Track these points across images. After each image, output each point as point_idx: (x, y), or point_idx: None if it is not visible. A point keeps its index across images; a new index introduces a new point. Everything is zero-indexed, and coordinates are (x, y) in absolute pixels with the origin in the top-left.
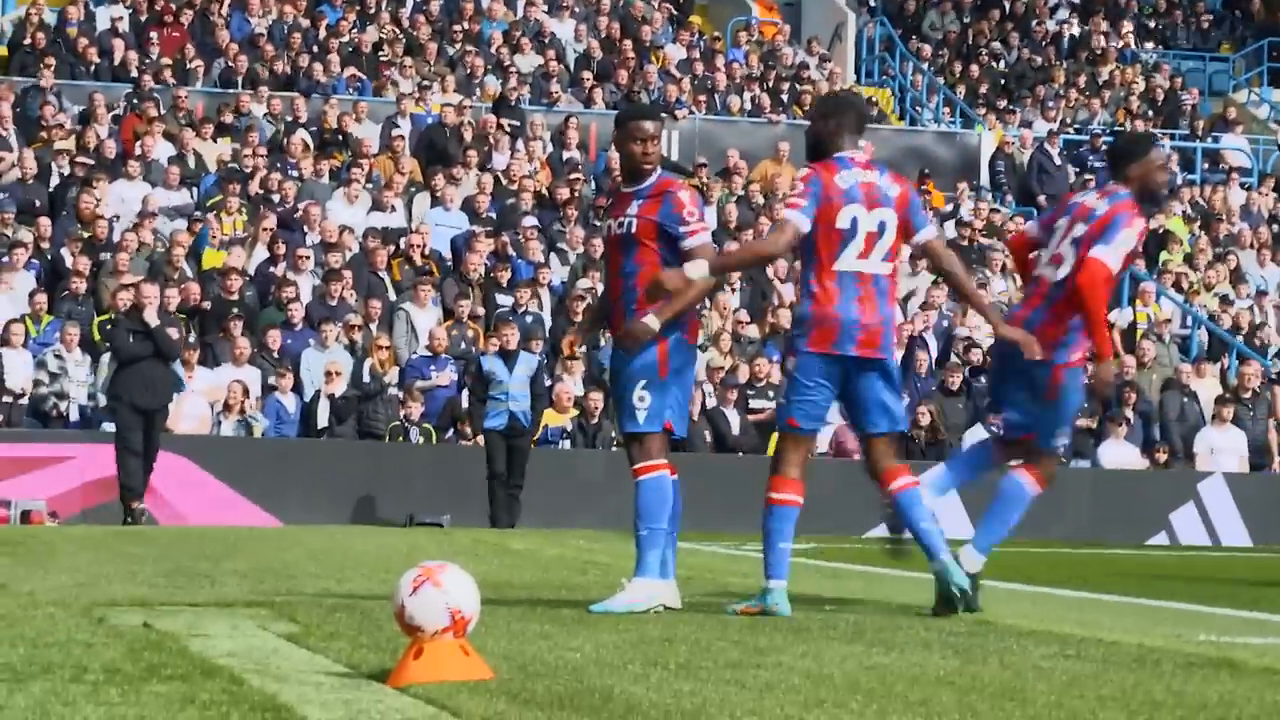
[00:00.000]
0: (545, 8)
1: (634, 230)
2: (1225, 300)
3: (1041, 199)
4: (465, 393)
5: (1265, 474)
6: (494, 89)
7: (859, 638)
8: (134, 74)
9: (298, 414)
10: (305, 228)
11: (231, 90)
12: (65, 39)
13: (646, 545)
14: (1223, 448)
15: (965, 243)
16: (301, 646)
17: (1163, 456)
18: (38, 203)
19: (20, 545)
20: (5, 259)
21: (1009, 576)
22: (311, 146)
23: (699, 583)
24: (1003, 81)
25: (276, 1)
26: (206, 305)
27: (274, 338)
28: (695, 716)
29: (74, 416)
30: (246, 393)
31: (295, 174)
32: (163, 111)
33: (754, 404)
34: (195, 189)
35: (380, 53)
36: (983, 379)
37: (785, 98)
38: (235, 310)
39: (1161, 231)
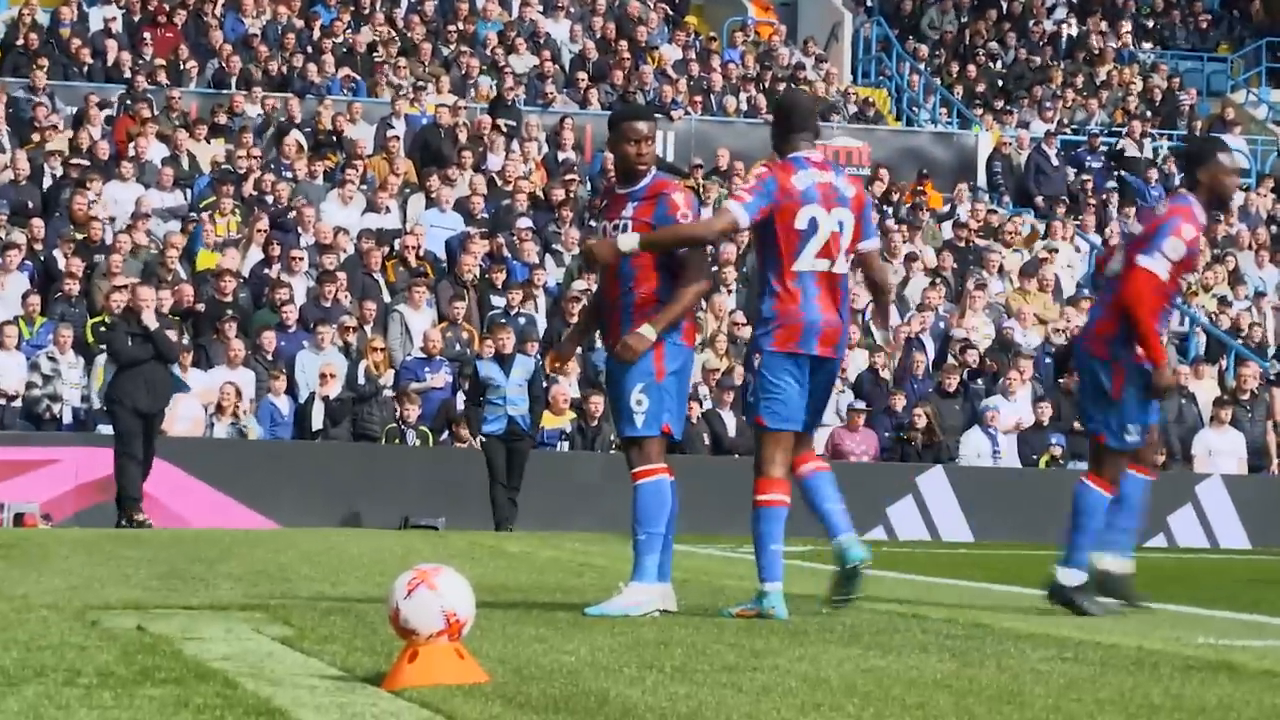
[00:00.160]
0: (540, 8)
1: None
2: (1223, 301)
3: (1039, 199)
4: (460, 395)
5: (1263, 476)
6: (488, 90)
7: (856, 640)
8: (127, 75)
9: (291, 416)
10: (299, 229)
11: (225, 91)
12: (58, 40)
13: (644, 550)
14: (1221, 450)
15: (962, 244)
16: (296, 650)
17: (1161, 459)
18: (30, 204)
19: (13, 548)
20: None
21: (1007, 579)
22: (306, 147)
23: (695, 585)
24: (1000, 82)
25: (270, 2)
26: (200, 307)
27: (268, 339)
28: None
29: (67, 419)
30: (239, 395)
31: (289, 175)
32: (156, 112)
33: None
34: (189, 190)
35: (375, 53)
36: (979, 381)
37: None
38: (229, 312)
39: None
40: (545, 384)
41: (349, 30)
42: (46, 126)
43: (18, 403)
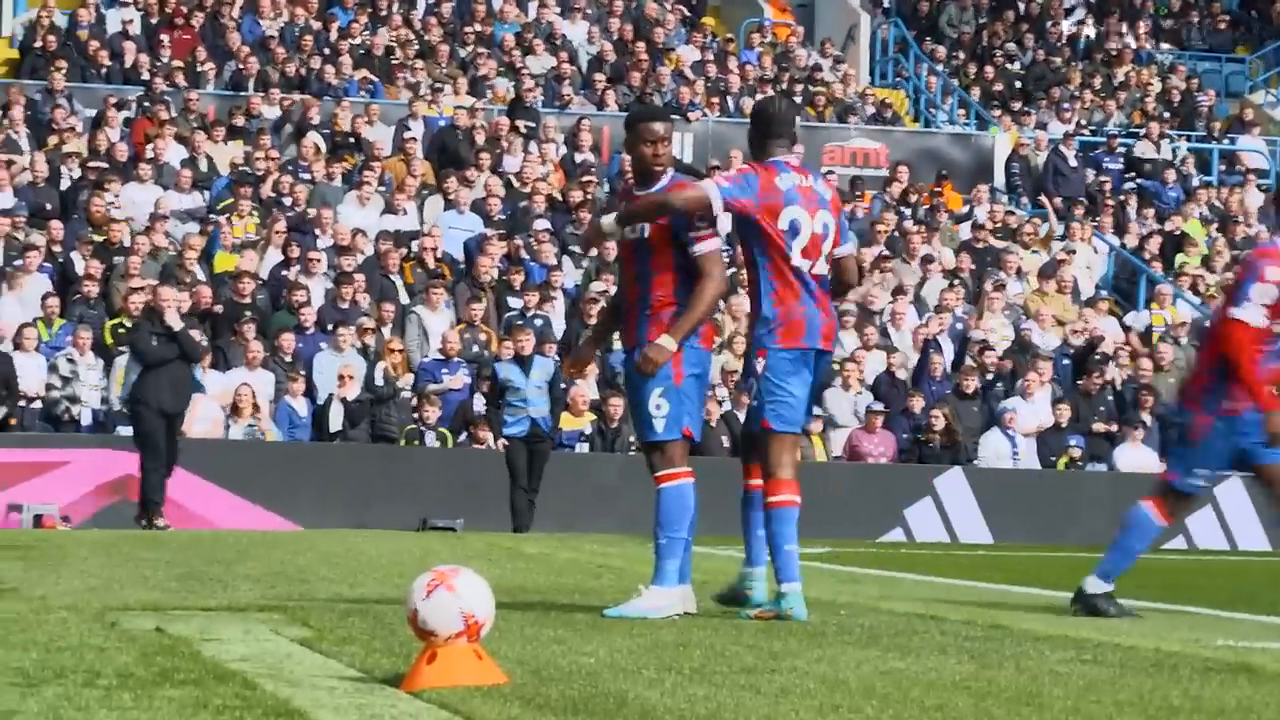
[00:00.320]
0: (557, 10)
1: (647, 234)
2: None
3: (1057, 201)
4: (478, 397)
5: None
6: (506, 91)
7: (874, 642)
8: (145, 77)
9: (309, 418)
10: (317, 231)
11: (243, 93)
12: (76, 42)
13: (665, 553)
14: None
15: (979, 245)
16: (315, 651)
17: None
18: (49, 206)
19: (32, 549)
20: (18, 262)
21: (1026, 581)
22: (323, 149)
23: (714, 587)
24: (1018, 83)
25: (288, 4)
26: (218, 309)
27: (287, 341)
28: None
29: (86, 420)
30: (255, 397)
31: (307, 177)
32: (174, 114)
33: None
34: (207, 192)
35: (392, 55)
36: (999, 385)
37: (799, 99)
38: (247, 314)
39: (1178, 234)
40: (564, 385)
41: (366, 32)
42: (65, 128)
43: (37, 404)
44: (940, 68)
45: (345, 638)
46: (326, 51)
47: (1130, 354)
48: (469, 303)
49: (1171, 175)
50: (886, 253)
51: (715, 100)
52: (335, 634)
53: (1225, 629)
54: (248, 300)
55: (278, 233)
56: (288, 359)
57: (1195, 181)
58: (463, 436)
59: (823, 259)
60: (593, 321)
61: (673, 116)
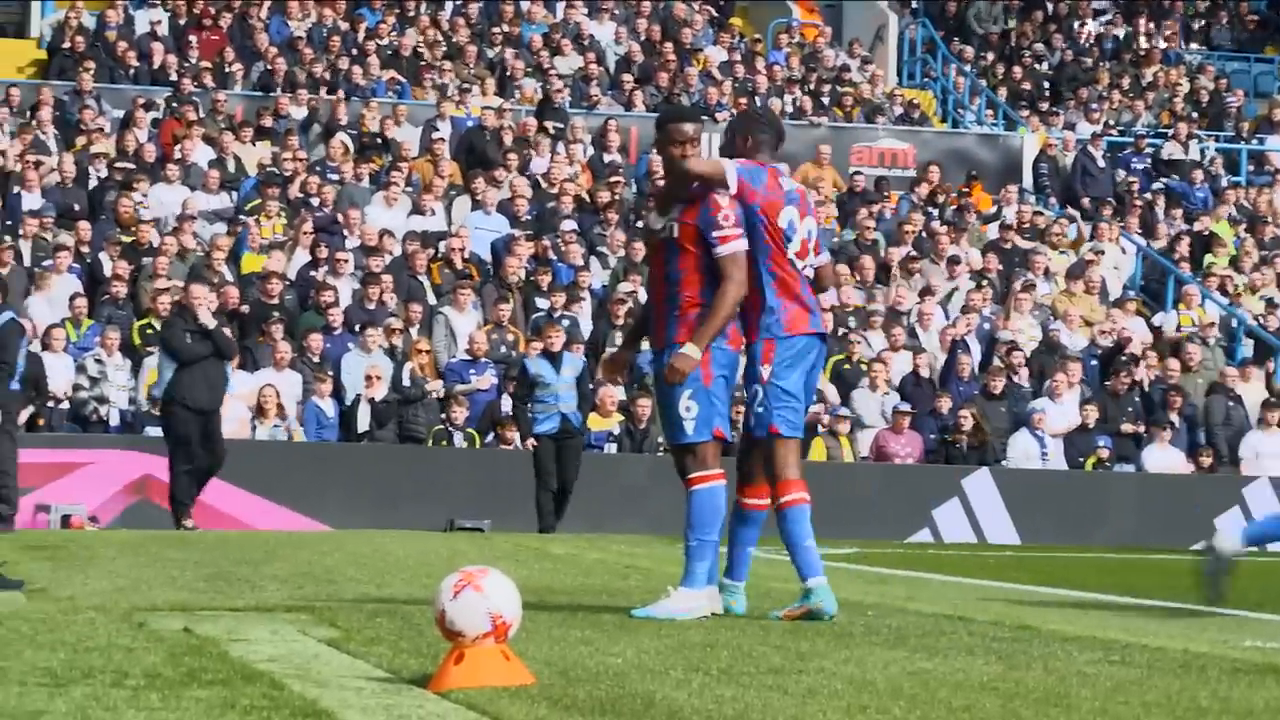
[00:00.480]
0: (585, 10)
1: (676, 234)
2: (1271, 303)
3: (1085, 201)
4: (505, 397)
5: None
6: (533, 92)
7: (902, 643)
8: (173, 77)
9: (337, 418)
10: (345, 231)
11: (271, 93)
12: (104, 42)
13: (696, 556)
14: (1268, 452)
15: (1007, 245)
16: (342, 651)
17: (1208, 461)
18: (77, 206)
19: (60, 550)
20: (46, 263)
21: (1053, 581)
22: (351, 150)
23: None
24: (1046, 83)
25: (315, 4)
26: (246, 309)
27: (314, 342)
28: None
29: (114, 421)
30: (280, 398)
31: (335, 177)
32: (202, 115)
33: None
34: (235, 192)
35: (420, 56)
36: (1027, 385)
37: (826, 100)
38: (275, 314)
39: (1207, 234)
40: (592, 385)
41: (394, 33)
42: (93, 129)
43: (65, 405)
44: (968, 68)
45: (373, 638)
46: (354, 52)
47: (1158, 356)
48: (496, 303)
49: (1200, 175)
50: (914, 253)
51: (743, 101)
52: (363, 634)
53: (1253, 630)
54: (275, 301)
55: (305, 233)
56: (315, 359)
57: (1224, 182)
58: (490, 437)
59: (810, 263)
60: (622, 323)
61: (702, 117)
